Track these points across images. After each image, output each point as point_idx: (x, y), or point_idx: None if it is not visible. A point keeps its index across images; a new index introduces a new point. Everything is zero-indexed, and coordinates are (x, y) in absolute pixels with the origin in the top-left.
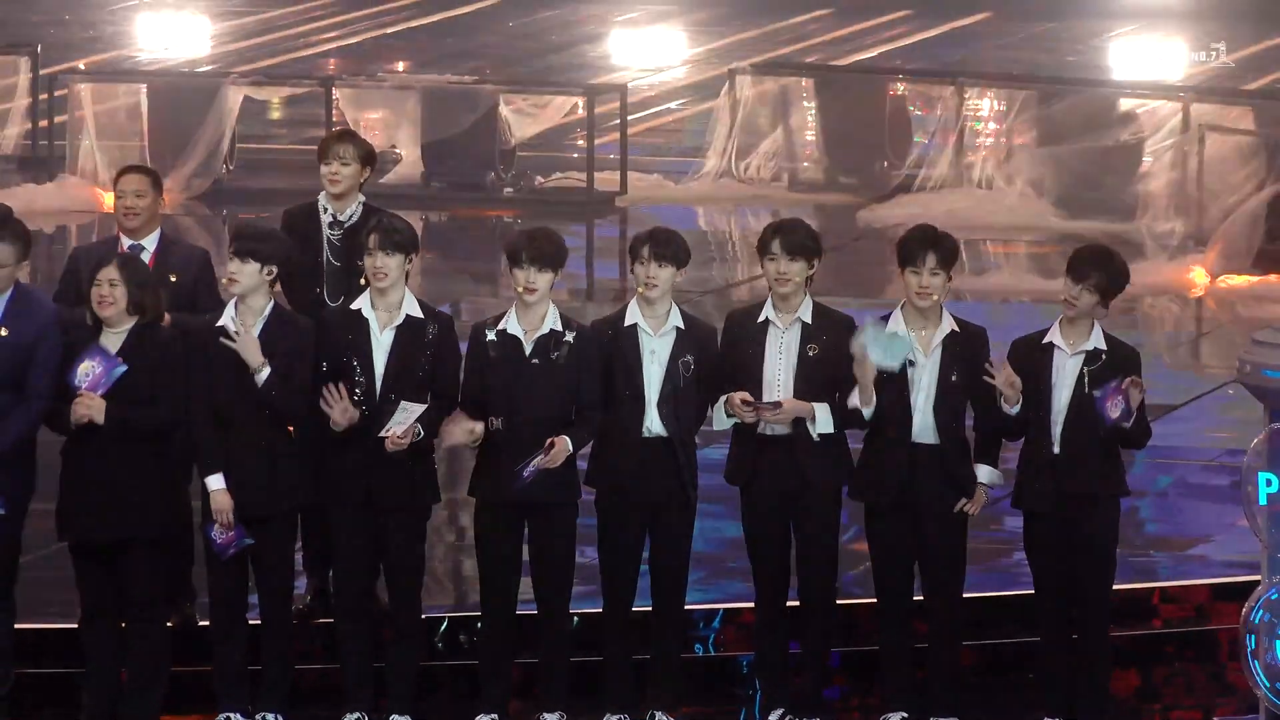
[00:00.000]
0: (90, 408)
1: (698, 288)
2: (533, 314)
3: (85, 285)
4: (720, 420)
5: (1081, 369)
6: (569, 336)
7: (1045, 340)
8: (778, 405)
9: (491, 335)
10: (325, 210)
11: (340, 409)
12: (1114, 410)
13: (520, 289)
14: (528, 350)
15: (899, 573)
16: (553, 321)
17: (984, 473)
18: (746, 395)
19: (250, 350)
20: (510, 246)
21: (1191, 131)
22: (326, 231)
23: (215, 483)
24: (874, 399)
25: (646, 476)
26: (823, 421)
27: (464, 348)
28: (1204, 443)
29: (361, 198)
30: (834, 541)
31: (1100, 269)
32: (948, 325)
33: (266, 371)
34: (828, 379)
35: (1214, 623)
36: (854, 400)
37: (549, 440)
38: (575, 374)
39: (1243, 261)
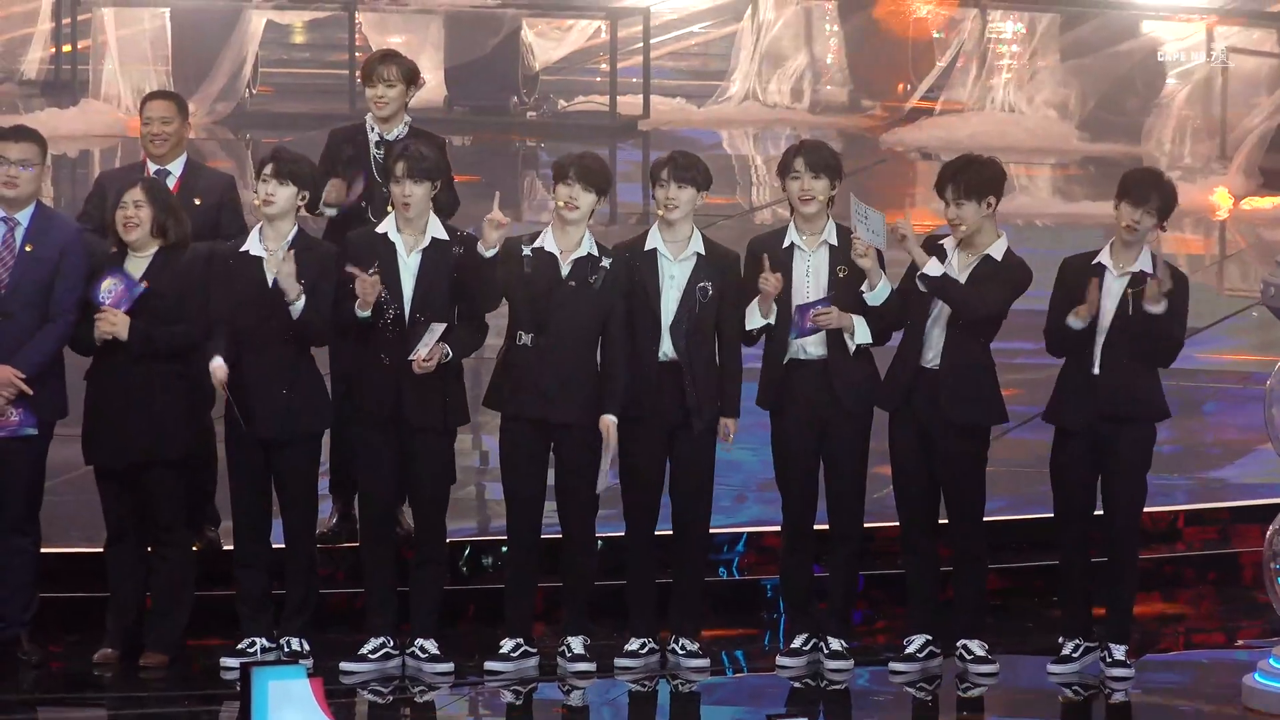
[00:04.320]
0: (115, 324)
1: (720, 212)
2: (570, 235)
3: (110, 209)
4: (753, 319)
5: (1126, 290)
6: (605, 262)
7: (1096, 261)
8: (829, 308)
9: (527, 251)
10: (372, 130)
11: (368, 284)
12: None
13: (562, 204)
14: (564, 271)
15: (918, 494)
16: (589, 246)
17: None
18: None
19: (289, 281)
20: (558, 164)
21: (1215, 54)
22: (373, 151)
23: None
24: (878, 285)
25: (662, 400)
26: (860, 333)
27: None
28: (1227, 366)
29: (408, 119)
30: (863, 466)
31: (1158, 191)
32: (994, 250)
33: (302, 302)
34: (860, 300)
35: (1237, 546)
36: (864, 288)
37: (603, 432)
38: (608, 300)
39: (1254, 181)
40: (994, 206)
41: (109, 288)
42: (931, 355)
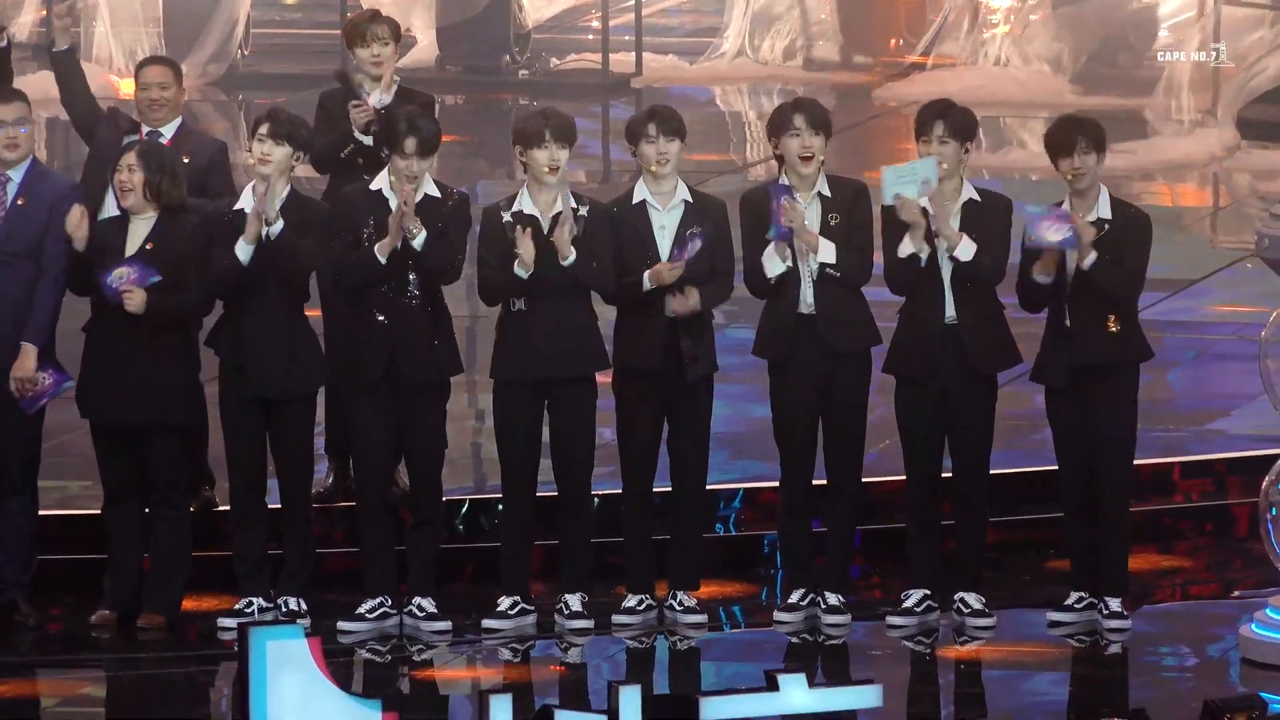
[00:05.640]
0: (130, 300)
1: (713, 168)
2: (548, 192)
3: (109, 174)
4: (773, 265)
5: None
6: (583, 210)
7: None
8: (795, 202)
9: (507, 217)
10: (363, 89)
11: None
12: (1052, 233)
13: (546, 169)
14: (546, 228)
15: (926, 455)
16: (566, 198)
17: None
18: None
19: (269, 205)
20: (528, 127)
21: (1208, 5)
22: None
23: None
24: (925, 246)
25: (661, 356)
26: (824, 253)
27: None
28: (1222, 317)
29: (397, 77)
30: (862, 420)
31: (1081, 131)
32: (967, 193)
33: (280, 225)
34: (853, 247)
35: (1233, 497)
36: (905, 248)
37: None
38: (593, 245)
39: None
40: (969, 153)
41: (121, 274)
42: (950, 312)
